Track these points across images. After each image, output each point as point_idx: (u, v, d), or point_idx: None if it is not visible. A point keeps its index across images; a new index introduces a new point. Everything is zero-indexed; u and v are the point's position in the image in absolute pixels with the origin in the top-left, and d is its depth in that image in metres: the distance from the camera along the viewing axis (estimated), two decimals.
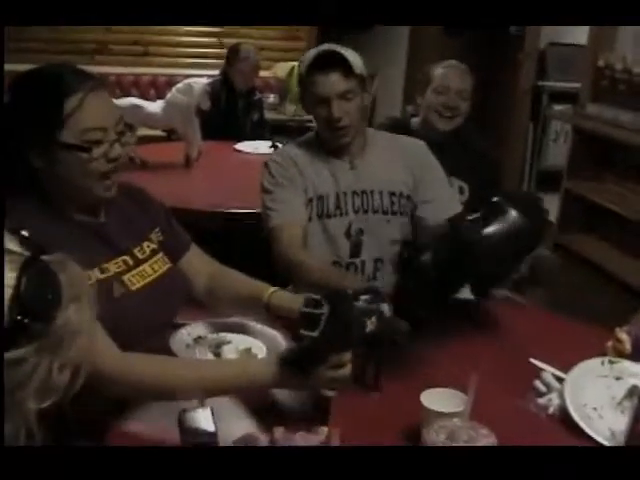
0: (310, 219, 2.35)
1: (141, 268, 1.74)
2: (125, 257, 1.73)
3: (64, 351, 1.03)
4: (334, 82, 2.26)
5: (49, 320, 1.00)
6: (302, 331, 1.49)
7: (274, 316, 1.86)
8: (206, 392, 1.53)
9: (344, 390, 1.56)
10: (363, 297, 1.65)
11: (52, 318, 1.00)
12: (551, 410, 1.64)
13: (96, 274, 1.64)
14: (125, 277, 1.70)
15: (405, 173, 2.41)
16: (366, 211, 2.36)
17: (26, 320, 0.97)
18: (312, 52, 2.31)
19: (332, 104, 2.26)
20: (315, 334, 1.49)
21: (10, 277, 0.98)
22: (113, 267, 1.68)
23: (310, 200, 2.35)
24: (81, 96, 1.56)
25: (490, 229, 1.82)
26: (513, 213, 1.84)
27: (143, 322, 1.69)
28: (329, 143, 2.38)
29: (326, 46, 2.31)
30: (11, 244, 1.01)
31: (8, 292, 0.97)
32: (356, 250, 2.36)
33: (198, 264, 1.97)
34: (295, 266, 2.17)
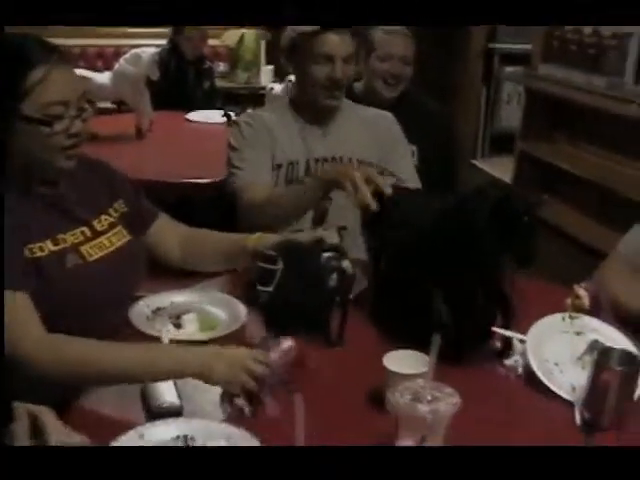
0: (276, 184, 2.34)
1: (99, 240, 1.73)
2: (83, 228, 1.71)
3: None
4: (345, 43, 2.27)
5: None
6: (258, 286, 1.49)
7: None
8: (132, 376, 1.50)
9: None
10: (326, 254, 1.67)
11: None
12: (520, 370, 1.65)
13: (49, 246, 1.62)
14: (83, 248, 1.69)
15: (374, 143, 2.42)
16: None
17: None
18: None
19: (336, 64, 2.26)
20: (270, 289, 1.49)
21: None
22: (70, 238, 1.67)
23: (279, 166, 2.35)
24: (46, 69, 1.53)
25: None
26: None
27: (101, 294, 1.68)
28: (315, 105, 2.36)
29: None
30: None
31: None
32: (320, 218, 2.34)
33: (169, 230, 1.97)
34: (259, 207, 2.19)
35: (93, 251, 1.71)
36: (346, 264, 1.68)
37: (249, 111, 2.52)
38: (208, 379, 1.43)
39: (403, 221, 1.77)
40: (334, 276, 1.65)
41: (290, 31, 2.34)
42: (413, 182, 2.37)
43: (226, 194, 2.36)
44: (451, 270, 1.62)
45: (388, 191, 1.82)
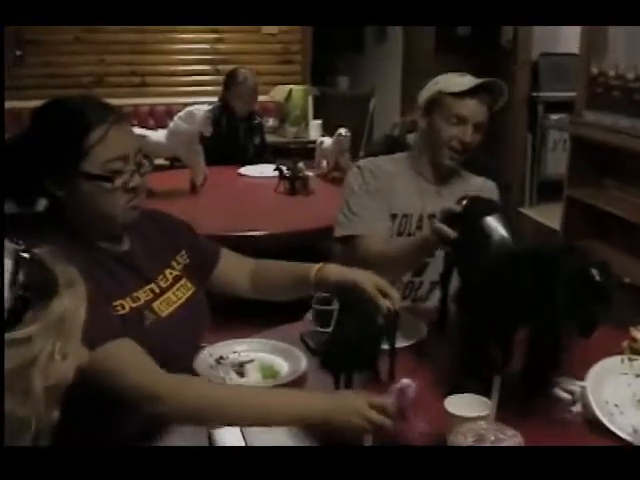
0: (390, 235, 2.39)
1: (167, 295, 1.76)
2: (152, 285, 1.74)
3: (66, 338, 1.08)
4: (480, 110, 2.37)
5: (48, 297, 1.05)
6: (319, 328, 1.52)
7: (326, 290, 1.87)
8: (266, 421, 1.55)
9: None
10: None
11: (51, 295, 1.06)
12: (579, 412, 1.66)
13: (129, 303, 1.66)
14: (154, 305, 1.72)
15: None
16: None
17: (27, 294, 1.02)
18: (468, 77, 2.40)
19: (467, 127, 2.35)
20: (329, 329, 1.52)
21: (7, 263, 1.03)
22: (142, 296, 1.70)
23: (394, 216, 2.41)
24: (105, 128, 1.60)
25: None
26: None
27: (175, 347, 1.71)
28: (435, 162, 2.44)
29: (492, 79, 2.40)
30: (5, 243, 1.07)
31: (7, 277, 1.01)
32: (420, 270, 2.38)
33: (236, 265, 2.01)
34: (373, 258, 2.22)
35: (163, 307, 1.73)
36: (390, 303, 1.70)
37: (371, 159, 2.58)
38: (329, 426, 1.49)
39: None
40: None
41: (430, 90, 2.42)
42: None
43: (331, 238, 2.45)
44: (513, 314, 1.64)
45: (456, 209, 1.92)
